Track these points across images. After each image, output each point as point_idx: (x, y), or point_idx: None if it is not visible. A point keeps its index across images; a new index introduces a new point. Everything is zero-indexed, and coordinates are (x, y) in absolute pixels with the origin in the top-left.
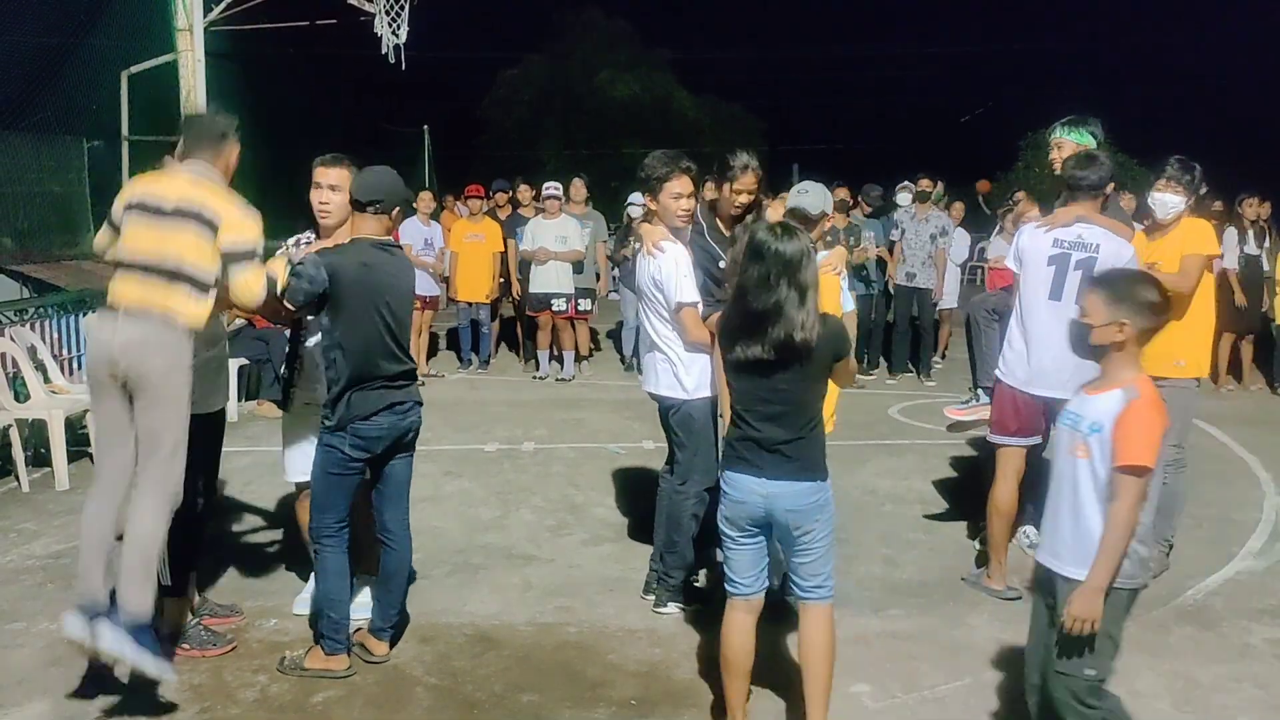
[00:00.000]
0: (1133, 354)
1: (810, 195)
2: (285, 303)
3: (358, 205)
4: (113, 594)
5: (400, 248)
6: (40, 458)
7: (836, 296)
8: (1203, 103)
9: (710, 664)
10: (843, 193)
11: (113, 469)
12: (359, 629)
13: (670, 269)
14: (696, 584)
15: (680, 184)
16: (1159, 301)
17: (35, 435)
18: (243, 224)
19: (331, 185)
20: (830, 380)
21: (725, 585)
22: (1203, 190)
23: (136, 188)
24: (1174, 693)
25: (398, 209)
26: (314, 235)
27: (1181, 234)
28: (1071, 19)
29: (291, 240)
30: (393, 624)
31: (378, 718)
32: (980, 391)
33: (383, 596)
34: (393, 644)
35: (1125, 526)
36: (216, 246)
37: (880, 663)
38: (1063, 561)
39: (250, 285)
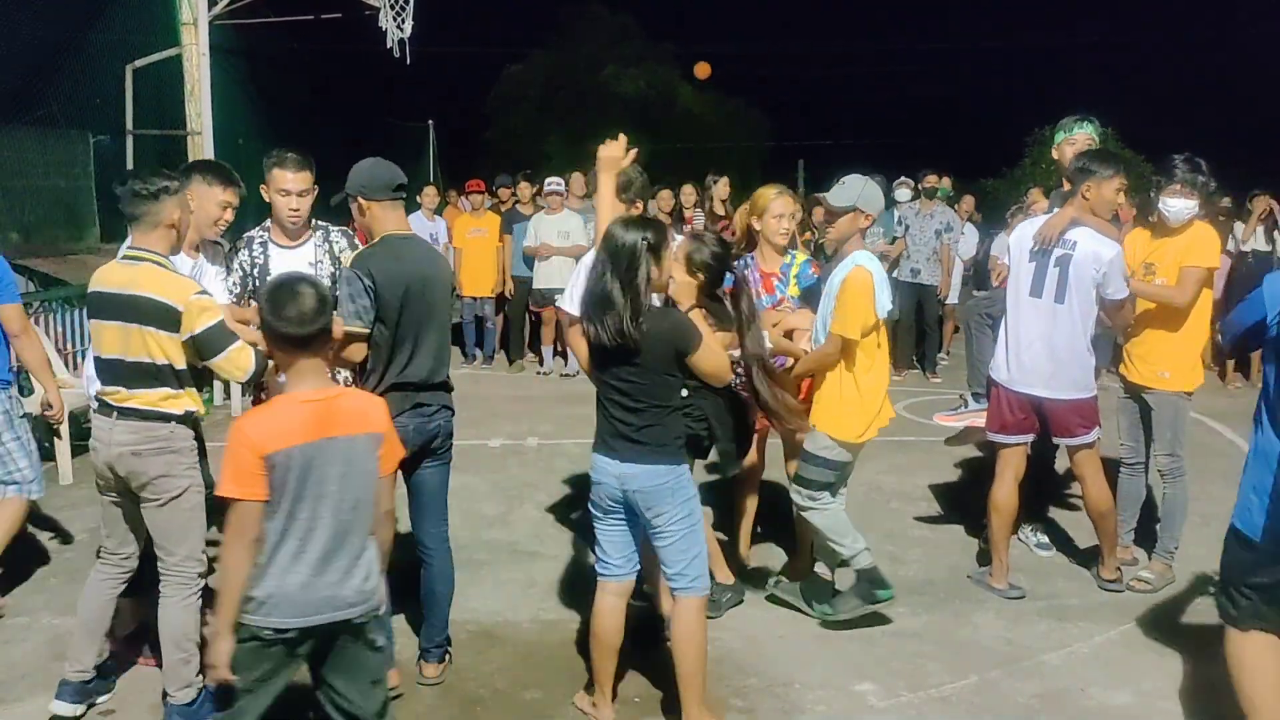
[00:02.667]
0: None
1: (838, 188)
2: (349, 330)
3: (377, 198)
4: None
5: (422, 239)
6: (44, 452)
7: (865, 301)
8: (1212, 98)
9: (716, 663)
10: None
11: (117, 552)
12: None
13: None
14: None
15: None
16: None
17: (39, 429)
18: (200, 306)
19: (301, 192)
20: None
21: (596, 566)
22: (1212, 187)
23: (97, 281)
24: (1183, 692)
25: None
26: (268, 235)
27: (1187, 241)
28: (1080, 14)
29: (244, 239)
30: (437, 643)
31: None
32: (970, 397)
33: (427, 615)
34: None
35: None
36: (180, 339)
37: (886, 661)
38: None
39: (239, 363)
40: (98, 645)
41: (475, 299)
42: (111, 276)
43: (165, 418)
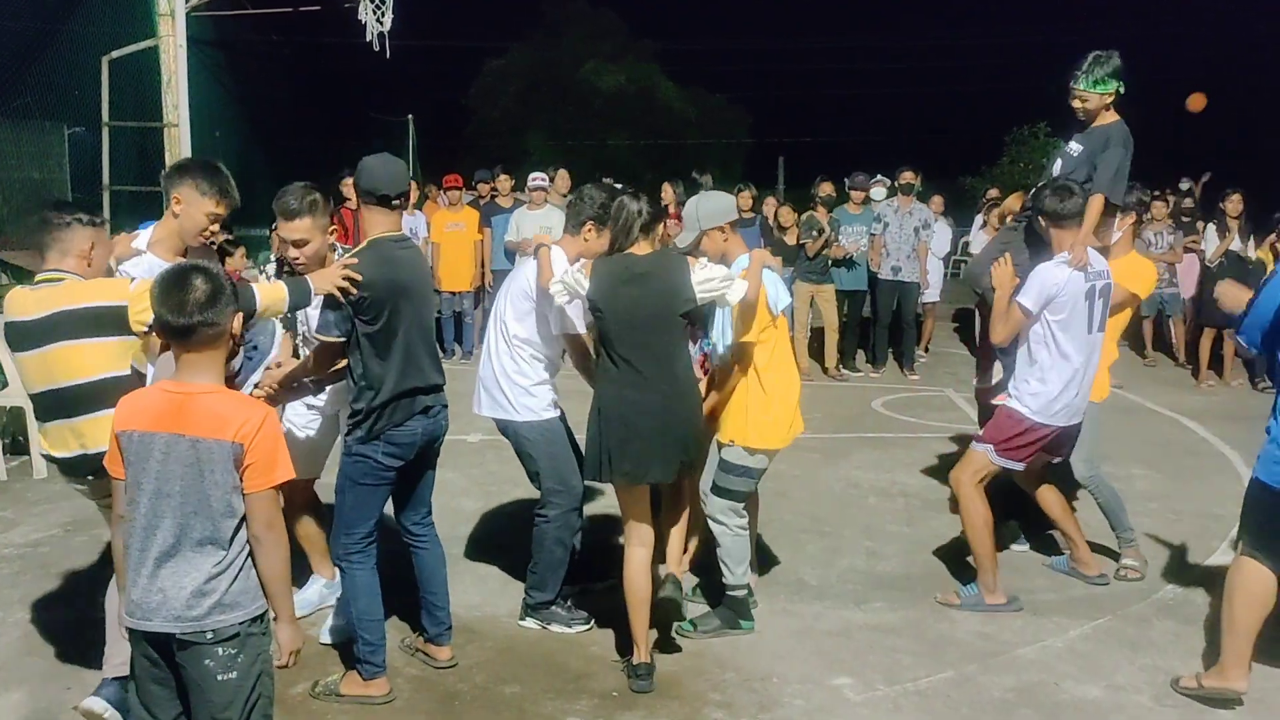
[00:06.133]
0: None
1: (684, 232)
2: (318, 337)
3: (380, 200)
4: None
5: (410, 241)
6: (18, 446)
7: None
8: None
9: (695, 657)
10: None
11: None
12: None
13: None
14: (562, 609)
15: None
16: None
17: (13, 423)
18: (142, 288)
19: (298, 241)
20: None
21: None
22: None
23: (12, 311)
24: (1155, 686)
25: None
26: (274, 268)
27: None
28: (1062, 11)
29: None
30: (448, 625)
31: (358, 709)
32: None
33: (429, 599)
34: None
35: None
36: (126, 341)
37: (862, 655)
38: None
39: (273, 301)
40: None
41: (453, 294)
42: (28, 303)
43: None
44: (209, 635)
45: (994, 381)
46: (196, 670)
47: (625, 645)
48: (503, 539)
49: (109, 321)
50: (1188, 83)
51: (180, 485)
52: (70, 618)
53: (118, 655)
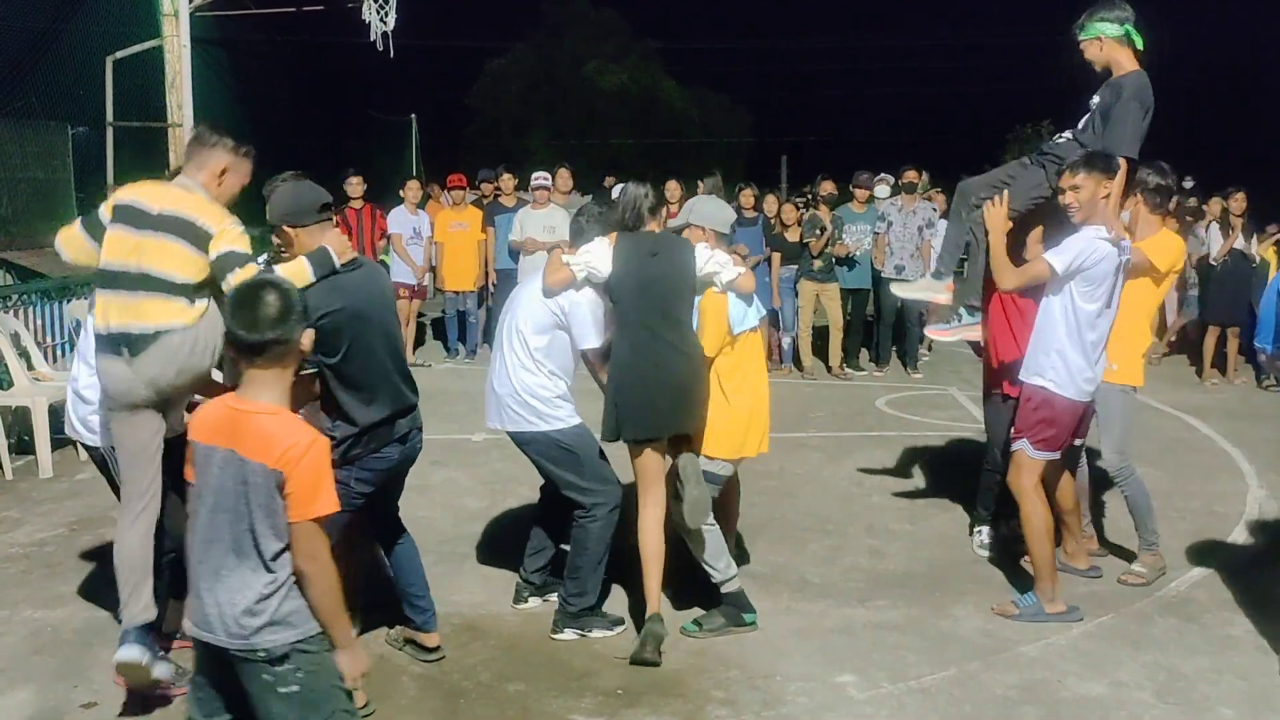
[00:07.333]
0: None
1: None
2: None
3: (305, 223)
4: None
5: (359, 260)
6: (24, 445)
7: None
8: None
9: (698, 655)
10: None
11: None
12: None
13: None
14: (600, 613)
15: None
16: None
17: (19, 423)
18: (234, 233)
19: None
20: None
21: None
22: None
23: (123, 195)
24: (1157, 683)
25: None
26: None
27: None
28: (1064, 11)
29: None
30: (432, 610)
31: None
32: (964, 311)
33: (409, 590)
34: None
35: None
36: (202, 257)
37: (866, 653)
38: None
39: (296, 276)
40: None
41: (457, 293)
42: (154, 194)
43: (178, 332)
44: (260, 654)
45: (956, 321)
46: (255, 685)
47: (626, 645)
48: (507, 538)
49: (200, 239)
50: (1189, 82)
51: (231, 501)
52: (76, 617)
53: (136, 603)
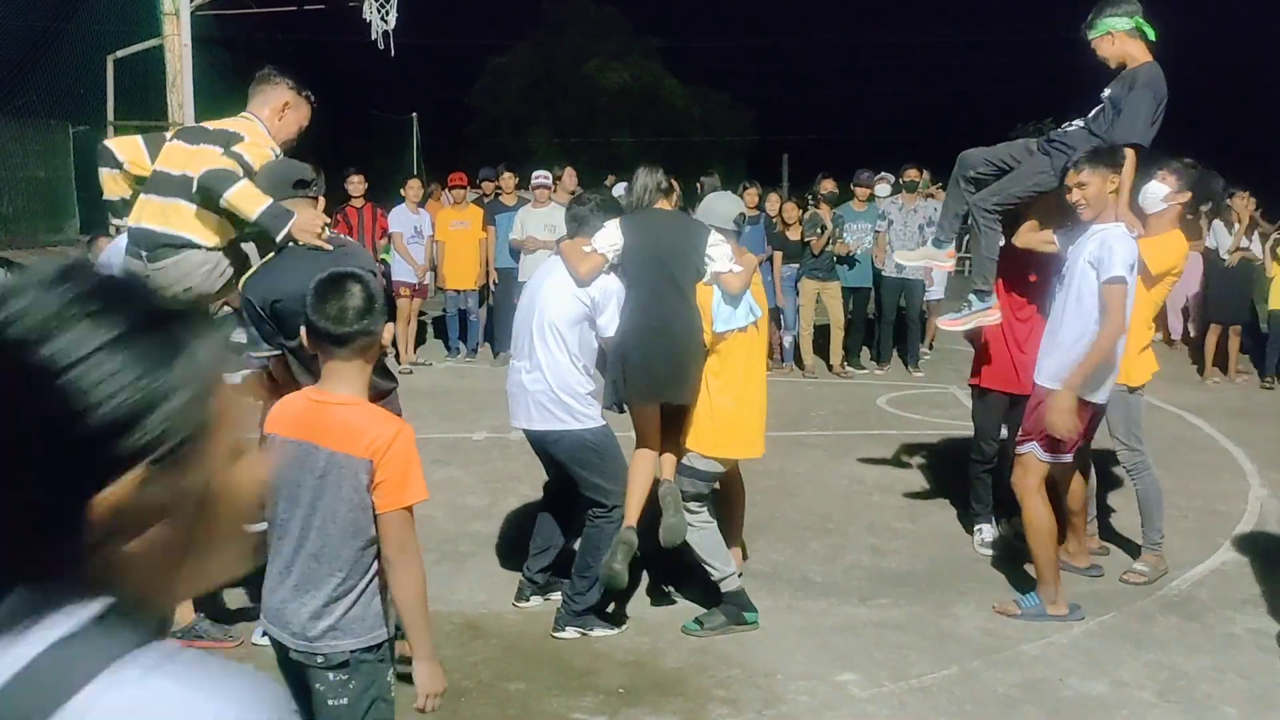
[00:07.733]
0: None
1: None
2: (255, 355)
3: (291, 195)
4: None
5: (337, 237)
6: None
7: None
8: (1209, 94)
9: (700, 653)
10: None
11: None
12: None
13: None
14: (602, 612)
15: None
16: None
17: None
18: (258, 147)
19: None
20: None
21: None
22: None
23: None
24: (1159, 682)
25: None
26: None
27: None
28: (1065, 9)
29: None
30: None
31: None
32: (973, 296)
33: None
34: None
35: None
36: (233, 161)
37: (868, 651)
38: None
39: (245, 198)
40: None
41: (459, 292)
42: (221, 120)
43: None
44: (319, 659)
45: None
46: (316, 690)
47: (627, 644)
48: (509, 536)
49: (232, 143)
50: (1189, 82)
51: (309, 496)
52: None
53: None
